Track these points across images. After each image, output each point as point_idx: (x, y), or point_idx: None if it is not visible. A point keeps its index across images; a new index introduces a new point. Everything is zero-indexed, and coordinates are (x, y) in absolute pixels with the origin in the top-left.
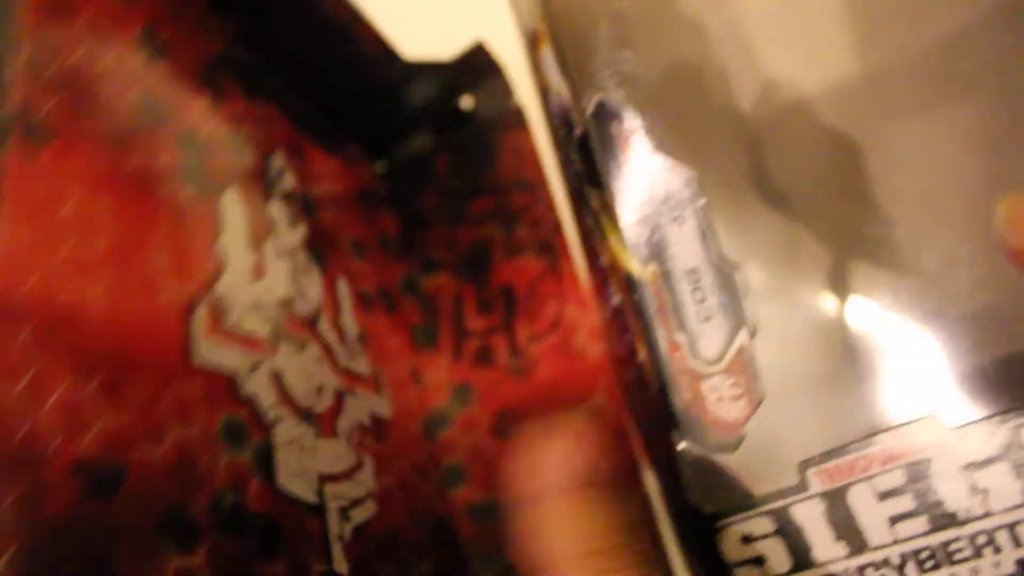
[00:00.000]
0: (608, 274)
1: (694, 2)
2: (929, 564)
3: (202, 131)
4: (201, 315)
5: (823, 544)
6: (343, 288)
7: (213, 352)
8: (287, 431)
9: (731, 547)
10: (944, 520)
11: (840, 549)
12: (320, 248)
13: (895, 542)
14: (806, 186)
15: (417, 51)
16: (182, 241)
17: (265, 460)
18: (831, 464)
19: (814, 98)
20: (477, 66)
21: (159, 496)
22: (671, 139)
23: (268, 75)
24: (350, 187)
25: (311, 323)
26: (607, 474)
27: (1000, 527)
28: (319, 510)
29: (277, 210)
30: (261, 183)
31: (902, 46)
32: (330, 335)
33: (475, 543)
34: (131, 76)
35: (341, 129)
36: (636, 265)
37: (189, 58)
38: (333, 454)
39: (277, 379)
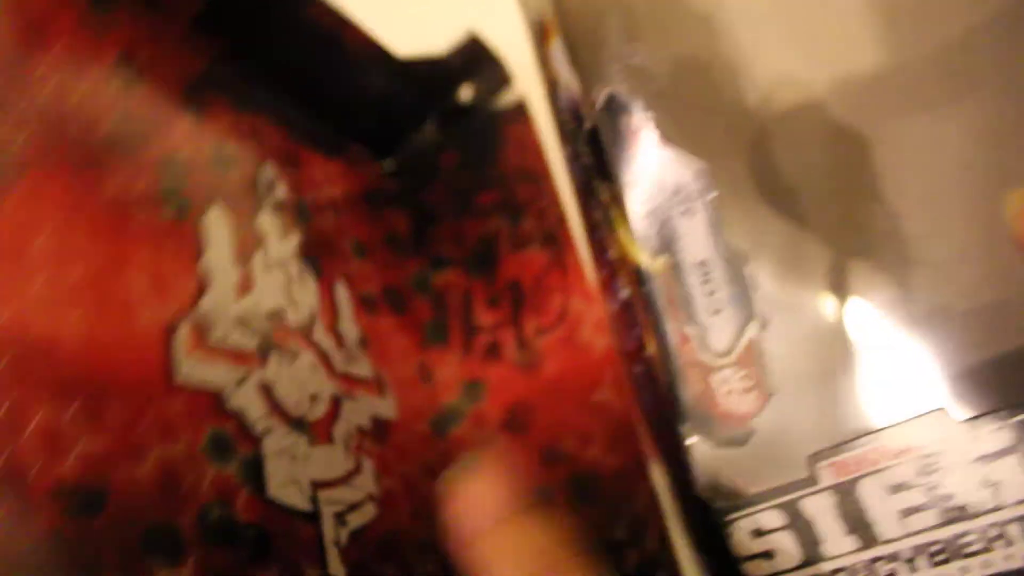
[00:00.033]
0: (617, 267)
1: None
2: (940, 558)
3: (184, 151)
4: (183, 334)
5: (834, 538)
6: (342, 292)
7: (196, 369)
8: (277, 441)
9: (741, 541)
10: (955, 513)
11: (851, 543)
12: (316, 254)
13: (906, 536)
14: (813, 181)
15: (412, 49)
16: (161, 263)
17: (254, 471)
18: (841, 457)
19: (822, 93)
20: (473, 57)
21: (143, 513)
22: (680, 133)
23: (258, 87)
24: (353, 189)
25: (305, 332)
26: (530, 497)
27: (1011, 520)
28: (313, 517)
29: (267, 222)
30: (249, 196)
31: (911, 43)
32: (326, 341)
33: None
34: (108, 103)
35: (344, 131)
36: (646, 258)
37: (170, 79)
38: (328, 460)
39: (266, 391)
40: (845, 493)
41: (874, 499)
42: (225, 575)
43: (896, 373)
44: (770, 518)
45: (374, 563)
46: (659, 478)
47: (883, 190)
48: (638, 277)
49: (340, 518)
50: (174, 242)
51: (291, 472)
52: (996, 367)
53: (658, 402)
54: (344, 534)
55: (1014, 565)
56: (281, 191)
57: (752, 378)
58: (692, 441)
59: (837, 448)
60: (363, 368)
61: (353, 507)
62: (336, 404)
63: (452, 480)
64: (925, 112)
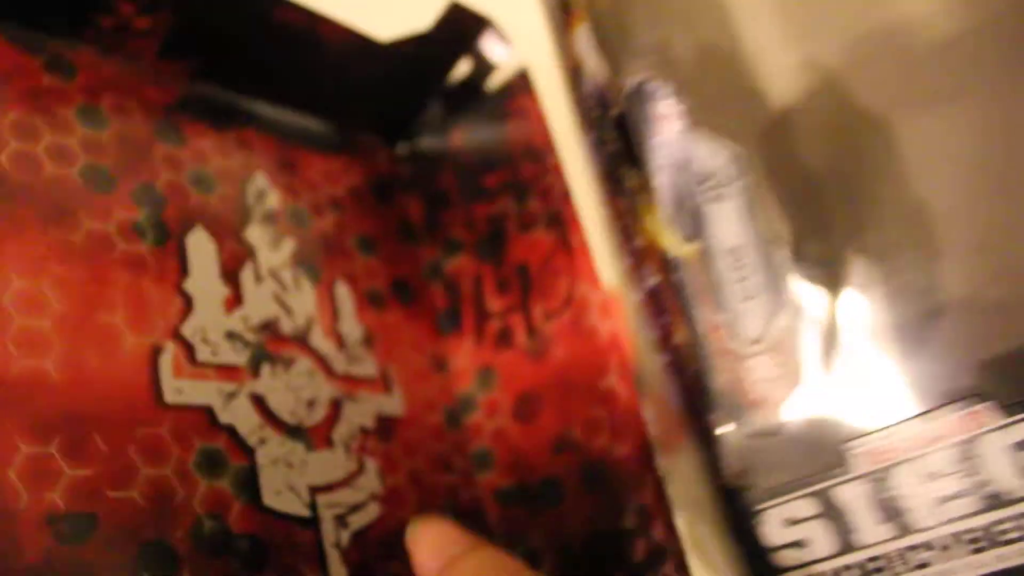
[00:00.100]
0: (644, 255)
1: None
2: (977, 546)
3: (160, 181)
4: (168, 358)
5: (867, 526)
6: (342, 292)
7: (184, 390)
8: (272, 451)
9: (772, 530)
10: (991, 501)
11: (885, 531)
12: (314, 258)
13: (941, 524)
14: (837, 167)
15: (399, 31)
16: (143, 290)
17: (248, 482)
18: (875, 445)
19: (845, 81)
20: (461, 25)
21: (135, 532)
22: (707, 119)
23: (241, 99)
24: (359, 183)
25: (300, 338)
26: (477, 537)
27: None
28: (312, 522)
29: (256, 234)
30: (236, 212)
31: (936, 31)
32: (325, 345)
33: (501, 528)
34: (72, 154)
35: (349, 124)
36: (675, 245)
37: (140, 115)
38: (327, 464)
39: (259, 402)
40: (879, 481)
41: (909, 487)
42: None
43: (931, 360)
44: (802, 507)
45: (378, 562)
46: (665, 467)
47: (907, 178)
48: (667, 264)
49: (341, 520)
50: (155, 268)
51: (288, 480)
52: None
53: (687, 391)
54: (345, 536)
55: None
56: (273, 200)
57: (785, 366)
58: (722, 430)
59: (871, 435)
60: (366, 367)
61: (355, 508)
62: (336, 407)
63: (413, 531)
64: (947, 101)
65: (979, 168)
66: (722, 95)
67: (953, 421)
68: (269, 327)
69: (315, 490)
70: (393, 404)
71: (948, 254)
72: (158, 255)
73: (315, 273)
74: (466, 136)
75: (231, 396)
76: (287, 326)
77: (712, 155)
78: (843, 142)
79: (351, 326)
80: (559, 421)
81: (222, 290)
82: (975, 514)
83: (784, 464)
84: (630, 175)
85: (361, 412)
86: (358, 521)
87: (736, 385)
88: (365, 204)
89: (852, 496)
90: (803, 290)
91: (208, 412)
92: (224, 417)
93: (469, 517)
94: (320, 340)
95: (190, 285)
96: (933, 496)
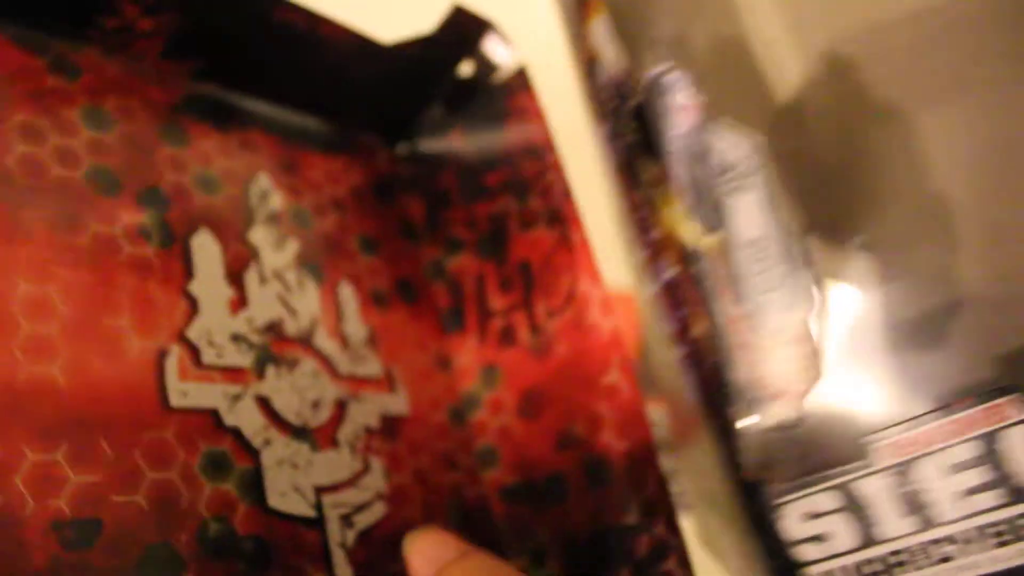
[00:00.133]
0: (661, 248)
1: None
2: (1001, 539)
3: (165, 182)
4: (173, 361)
5: (890, 520)
6: (346, 293)
7: (190, 393)
8: (277, 452)
9: (792, 524)
10: (1016, 494)
11: (907, 525)
12: (318, 259)
13: (965, 517)
14: (854, 158)
15: (403, 33)
16: (148, 293)
17: (253, 484)
18: (897, 438)
19: (861, 72)
20: (463, 28)
21: (140, 536)
22: (725, 110)
23: (244, 100)
24: (360, 183)
25: (305, 339)
26: (470, 544)
27: None
28: (317, 522)
29: (260, 236)
30: (240, 213)
31: (950, 21)
32: (329, 345)
33: (507, 525)
34: (77, 156)
35: (350, 124)
36: (695, 236)
37: (144, 116)
38: (333, 465)
39: (264, 404)
40: (901, 474)
41: (932, 480)
42: None
43: (954, 352)
44: (823, 500)
45: (384, 561)
46: (675, 463)
47: (924, 169)
48: (685, 257)
49: (346, 520)
50: (161, 271)
51: (293, 480)
52: None
53: (705, 384)
54: (351, 536)
55: None
56: (276, 201)
57: (806, 358)
58: (742, 423)
59: (893, 427)
60: (371, 367)
61: (360, 508)
62: (340, 407)
63: (408, 542)
64: (964, 90)
65: (996, 159)
66: (738, 86)
67: (976, 414)
68: (274, 328)
69: (320, 490)
70: (398, 403)
71: (965, 246)
72: (163, 257)
73: (318, 274)
74: (466, 135)
75: (236, 398)
76: (291, 327)
77: (733, 146)
78: (859, 133)
79: (355, 326)
80: (562, 418)
81: (227, 292)
82: (999, 507)
83: (805, 457)
84: (648, 166)
85: (366, 412)
86: (364, 521)
87: (756, 378)
88: (367, 204)
89: (874, 489)
90: (824, 282)
91: (213, 415)
92: (229, 419)
93: (475, 515)
94: (324, 341)
95: (195, 287)
96: (956, 489)
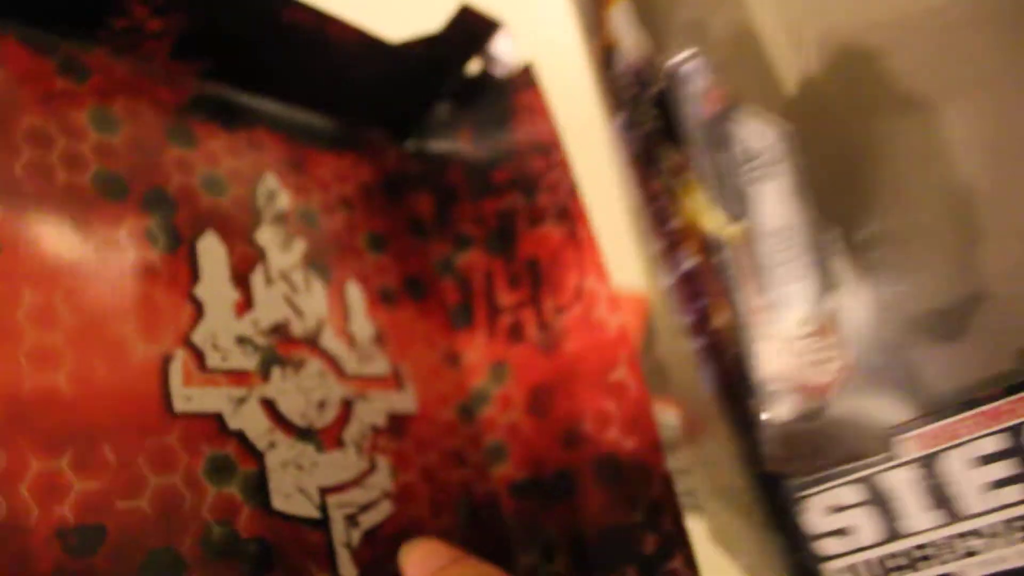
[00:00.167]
0: (680, 237)
1: None
2: None
3: (171, 184)
4: (177, 366)
5: (914, 513)
6: (354, 292)
7: (194, 398)
8: (282, 454)
9: (815, 518)
10: None
11: (932, 518)
12: (325, 258)
13: (992, 510)
14: (876, 149)
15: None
16: (154, 298)
17: (258, 486)
18: (923, 430)
19: (886, 62)
20: (470, 27)
21: (143, 541)
22: (749, 98)
23: (251, 100)
24: (369, 180)
25: (311, 340)
26: (457, 550)
27: None
28: (322, 523)
29: (267, 236)
30: (247, 213)
31: (979, 12)
32: (335, 345)
33: (516, 521)
34: (85, 161)
35: (358, 121)
36: (718, 225)
37: (152, 117)
38: (338, 465)
39: (269, 406)
40: (927, 467)
41: (958, 473)
42: None
43: (980, 343)
44: (846, 494)
45: (390, 559)
46: (688, 458)
47: (947, 160)
48: (707, 246)
49: (351, 520)
50: (166, 275)
51: (297, 482)
52: None
53: (726, 375)
54: (356, 535)
55: None
56: (284, 201)
57: (832, 349)
58: (764, 414)
59: (919, 420)
60: (378, 365)
61: (366, 507)
62: (346, 407)
63: (403, 552)
64: (988, 82)
65: (1019, 151)
66: (760, 74)
67: (1002, 406)
68: (279, 330)
69: (325, 491)
70: (405, 401)
71: (988, 238)
72: (169, 261)
73: (326, 273)
74: (474, 132)
75: (241, 401)
76: (298, 328)
77: (758, 134)
78: (881, 123)
79: (362, 325)
80: (570, 414)
81: (232, 294)
82: None
83: (828, 450)
84: (669, 155)
85: (372, 411)
86: (369, 520)
87: (779, 369)
88: (375, 202)
89: (899, 482)
90: (849, 273)
91: (218, 419)
92: (233, 423)
93: (484, 511)
94: (331, 341)
95: (201, 291)
96: (982, 482)
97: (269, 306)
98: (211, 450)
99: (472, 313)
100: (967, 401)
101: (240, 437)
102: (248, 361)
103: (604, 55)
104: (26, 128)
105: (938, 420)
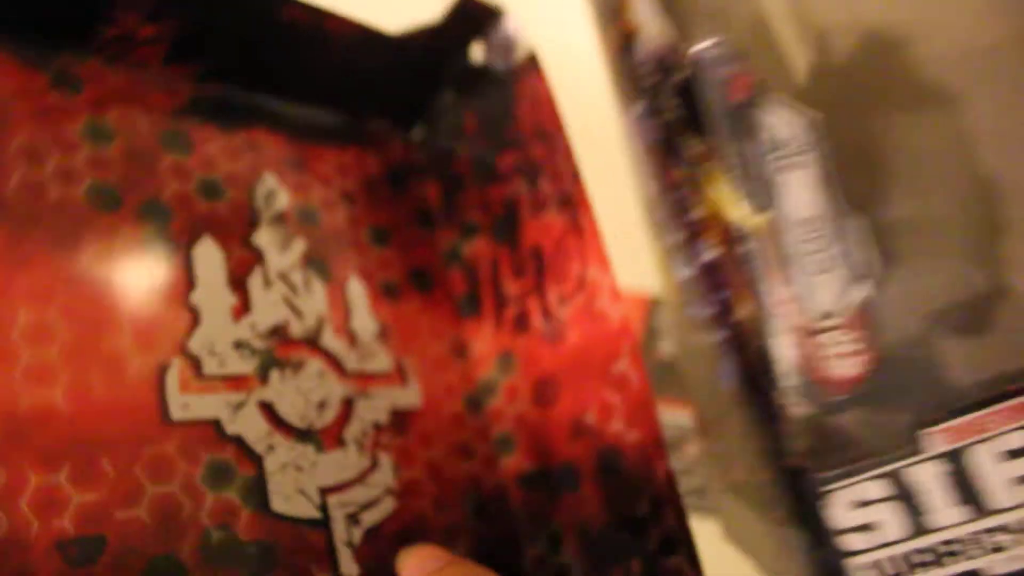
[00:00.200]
0: (702, 228)
1: None
2: None
3: (167, 191)
4: (174, 374)
5: (941, 508)
6: (356, 288)
7: (191, 405)
8: (280, 457)
9: (839, 513)
10: None
11: (960, 513)
12: (325, 256)
13: (1019, 505)
14: (901, 139)
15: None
16: (147, 311)
17: (256, 490)
18: (950, 424)
19: (915, 51)
20: (470, 16)
21: (143, 549)
22: (777, 85)
23: (250, 100)
24: (373, 173)
25: (310, 340)
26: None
27: None
28: (322, 523)
29: (265, 238)
30: (244, 216)
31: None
32: (336, 344)
33: (525, 512)
34: (78, 174)
35: (363, 113)
36: (744, 215)
37: (147, 125)
38: (339, 464)
39: (267, 409)
40: (954, 461)
41: (986, 467)
42: None
43: (1004, 339)
44: (872, 488)
45: (392, 556)
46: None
47: (972, 152)
48: (731, 236)
49: (352, 519)
50: (162, 284)
51: (297, 483)
52: None
53: (749, 368)
54: (357, 533)
55: None
56: (283, 200)
57: (860, 341)
58: (788, 408)
59: (946, 414)
60: (381, 362)
61: (367, 505)
62: (347, 406)
63: (399, 558)
64: (1013, 76)
65: None
66: (784, 62)
67: None
68: (278, 332)
69: (326, 491)
70: (409, 396)
71: (1013, 230)
72: (164, 270)
73: (326, 271)
74: (479, 119)
75: (239, 406)
76: (297, 329)
77: (786, 122)
78: (904, 114)
79: (364, 322)
80: (576, 406)
81: (229, 299)
82: None
83: (854, 444)
84: (692, 143)
85: (374, 408)
86: (371, 518)
87: (805, 361)
88: (379, 194)
89: (925, 477)
90: (877, 264)
91: (215, 424)
92: (231, 428)
93: (491, 503)
94: (331, 340)
95: (197, 298)
96: (1010, 476)
97: (267, 309)
98: (209, 456)
99: (480, 303)
100: (995, 395)
101: (238, 442)
102: (246, 365)
103: (623, 42)
104: (18, 146)
105: (966, 414)
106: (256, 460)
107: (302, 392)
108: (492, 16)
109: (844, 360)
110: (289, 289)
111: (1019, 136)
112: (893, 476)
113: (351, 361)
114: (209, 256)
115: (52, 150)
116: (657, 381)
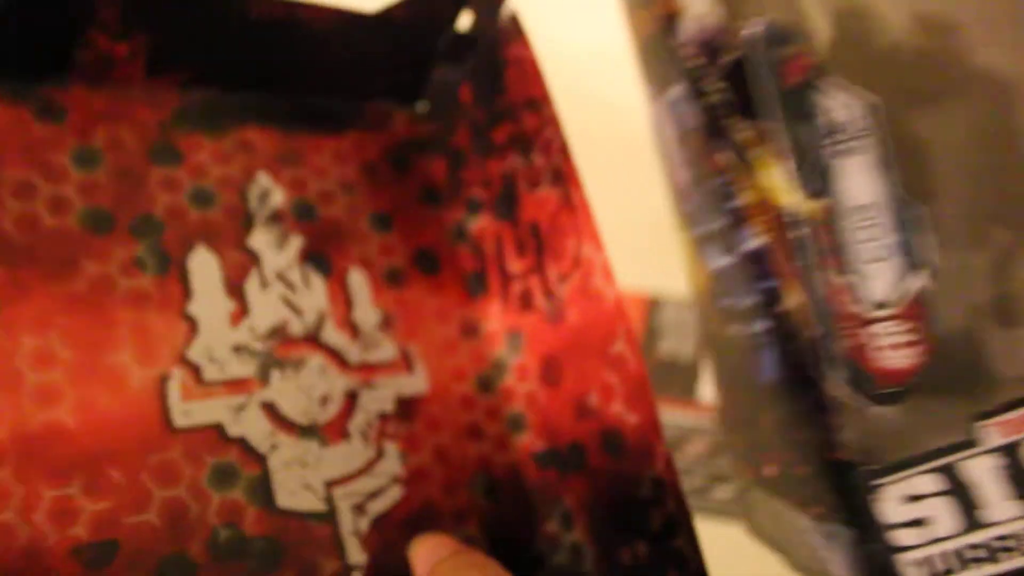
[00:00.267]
0: (746, 215)
1: None
2: None
3: (157, 208)
4: (175, 384)
5: (996, 503)
6: (357, 279)
7: (193, 412)
8: (285, 454)
9: (890, 507)
10: None
11: (1015, 508)
12: (324, 250)
13: None
14: (950, 131)
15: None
16: (145, 326)
17: (262, 488)
18: (1007, 416)
19: (967, 42)
20: None
21: (154, 551)
22: (834, 68)
23: (238, 100)
24: (373, 156)
25: (311, 336)
26: (460, 543)
27: None
28: (328, 515)
29: (261, 239)
30: (237, 220)
31: None
32: (337, 338)
33: (540, 489)
34: (69, 202)
35: (353, 98)
36: (797, 201)
37: (134, 142)
38: (343, 457)
39: (269, 409)
40: (1011, 454)
41: None
42: None
43: None
44: (925, 482)
45: (401, 542)
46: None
47: (1020, 139)
48: (782, 224)
49: (359, 509)
50: (158, 297)
51: (302, 479)
52: None
53: (795, 359)
54: (364, 523)
55: None
56: (277, 198)
57: (915, 332)
58: (839, 399)
59: (1002, 407)
60: (384, 351)
61: (373, 495)
62: (351, 399)
63: (411, 547)
64: None
65: None
66: (847, 45)
67: None
68: (277, 332)
69: (331, 484)
70: (415, 383)
71: None
72: (160, 284)
73: (325, 265)
74: (473, 89)
75: (240, 408)
76: (297, 327)
77: (843, 106)
78: (958, 105)
79: (366, 312)
80: (579, 386)
81: (227, 305)
82: None
83: (907, 437)
84: (740, 128)
85: (379, 398)
86: (377, 507)
87: (858, 352)
88: (380, 177)
89: (980, 471)
90: (936, 253)
91: (218, 428)
92: (234, 430)
93: (503, 483)
94: (332, 334)
95: (194, 307)
96: None
97: (266, 310)
98: (213, 459)
99: (487, 280)
100: None
101: (242, 443)
102: (246, 368)
103: (662, 23)
104: (9, 182)
105: (1022, 407)
106: (260, 459)
107: (303, 389)
108: None
109: (898, 351)
110: (287, 288)
111: None
112: (947, 470)
113: (353, 354)
114: (204, 264)
115: (42, 182)
116: (657, 381)
